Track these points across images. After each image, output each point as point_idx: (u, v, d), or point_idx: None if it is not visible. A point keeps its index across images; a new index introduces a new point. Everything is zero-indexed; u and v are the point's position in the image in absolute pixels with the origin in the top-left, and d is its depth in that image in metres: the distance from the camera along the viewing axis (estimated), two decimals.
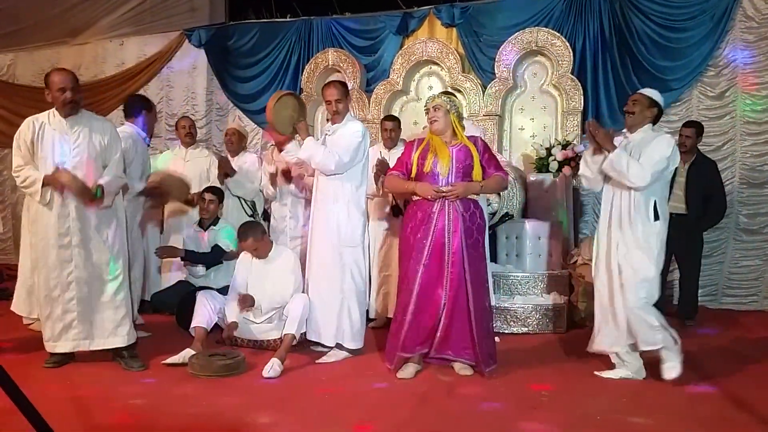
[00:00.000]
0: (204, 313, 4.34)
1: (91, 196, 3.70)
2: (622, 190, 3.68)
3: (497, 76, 6.57)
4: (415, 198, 3.88)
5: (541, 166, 6.06)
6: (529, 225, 5.46)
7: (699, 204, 5.23)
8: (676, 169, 5.10)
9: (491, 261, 5.22)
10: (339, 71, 7.17)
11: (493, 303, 4.56)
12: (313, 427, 3.01)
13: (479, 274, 3.82)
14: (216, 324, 4.49)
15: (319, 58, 7.27)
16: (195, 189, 5.41)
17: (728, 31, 6.08)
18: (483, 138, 4.97)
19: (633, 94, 3.89)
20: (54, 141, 3.74)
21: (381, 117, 6.08)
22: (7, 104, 8.75)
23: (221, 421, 3.06)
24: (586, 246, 5.20)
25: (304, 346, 4.35)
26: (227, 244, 5.13)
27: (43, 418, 1.95)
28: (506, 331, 4.99)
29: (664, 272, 5.27)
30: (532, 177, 6.08)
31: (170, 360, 3.98)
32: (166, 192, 4.72)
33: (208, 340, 4.35)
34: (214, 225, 5.25)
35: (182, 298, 4.89)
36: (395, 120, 5.43)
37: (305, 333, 4.22)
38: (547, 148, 6.06)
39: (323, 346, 4.27)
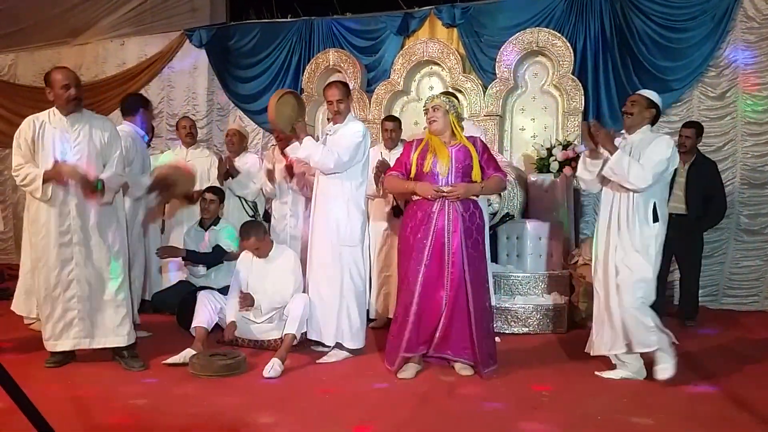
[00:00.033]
0: (205, 313, 4.34)
1: (92, 187, 3.69)
2: (621, 193, 3.68)
3: (498, 76, 6.58)
4: (414, 198, 3.88)
5: (542, 166, 6.07)
6: (530, 225, 5.46)
7: (699, 204, 5.23)
8: (676, 169, 5.10)
9: (492, 261, 5.22)
10: (340, 71, 7.18)
11: (493, 303, 4.56)
12: (314, 427, 3.01)
13: (479, 274, 3.82)
14: (217, 324, 4.49)
15: (320, 59, 7.27)
16: (196, 189, 5.41)
17: (729, 31, 6.08)
18: (483, 138, 4.99)
19: (631, 95, 3.89)
20: (55, 139, 3.74)
21: (382, 117, 6.08)
22: (8, 104, 8.76)
23: (222, 421, 3.06)
24: (587, 246, 5.19)
25: (304, 346, 4.35)
26: (228, 244, 5.14)
27: (44, 418, 1.95)
28: (507, 332, 4.99)
29: (665, 273, 5.30)
30: (533, 177, 6.09)
31: (171, 360, 3.98)
32: (172, 183, 4.70)
33: (208, 340, 4.35)
34: (215, 225, 5.26)
35: (183, 298, 4.90)
36: (396, 120, 5.43)
37: (305, 333, 4.23)
38: (547, 149, 6.06)
39: (324, 345, 4.27)
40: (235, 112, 7.94)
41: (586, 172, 3.87)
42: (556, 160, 5.93)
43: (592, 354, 3.85)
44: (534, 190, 6.03)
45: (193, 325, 4.32)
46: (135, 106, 4.67)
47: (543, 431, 2.98)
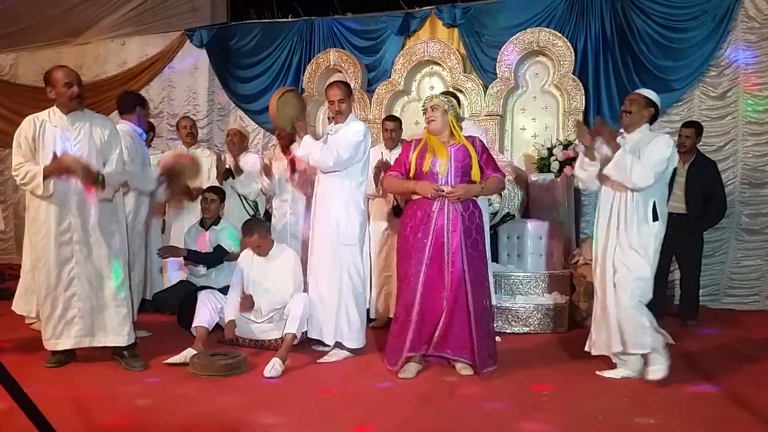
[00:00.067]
0: (205, 313, 4.35)
1: (94, 177, 3.68)
2: (621, 192, 3.68)
3: (499, 76, 6.57)
4: (414, 197, 3.88)
5: (543, 166, 6.06)
6: (531, 225, 5.46)
7: (699, 204, 5.23)
8: (676, 168, 5.12)
9: (493, 261, 5.23)
10: (340, 71, 7.18)
11: (494, 303, 4.56)
12: (315, 427, 3.01)
13: (479, 274, 3.82)
14: (217, 324, 4.50)
15: (321, 59, 7.27)
16: (196, 186, 5.42)
17: (730, 31, 6.07)
18: (485, 137, 4.99)
19: (630, 94, 3.89)
20: (55, 137, 3.74)
21: (382, 117, 6.08)
22: (9, 104, 8.76)
23: (222, 420, 3.07)
24: (588, 246, 5.19)
25: (305, 346, 4.35)
26: (229, 244, 5.15)
27: (45, 418, 1.95)
28: (507, 331, 4.99)
29: (665, 272, 5.31)
30: (534, 177, 6.08)
31: (172, 360, 3.99)
32: (179, 172, 4.69)
33: (209, 339, 4.35)
34: (216, 225, 5.26)
35: (184, 297, 4.90)
36: (396, 120, 5.43)
37: (306, 332, 4.23)
38: (548, 148, 6.06)
39: (324, 345, 4.28)
40: (236, 111, 7.93)
41: (582, 170, 3.88)
42: (556, 159, 5.93)
43: (592, 353, 3.85)
44: (534, 189, 6.03)
45: (193, 325, 4.33)
46: (132, 104, 4.67)
47: (543, 431, 2.98)
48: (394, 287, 4.74)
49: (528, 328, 5.02)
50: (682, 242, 5.14)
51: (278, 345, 4.13)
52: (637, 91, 3.89)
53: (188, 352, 4.01)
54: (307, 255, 4.44)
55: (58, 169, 3.65)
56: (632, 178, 3.54)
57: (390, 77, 6.99)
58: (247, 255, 4.59)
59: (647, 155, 3.57)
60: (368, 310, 4.81)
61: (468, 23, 6.95)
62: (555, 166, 5.92)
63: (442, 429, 3.03)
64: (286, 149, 5.33)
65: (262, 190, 5.65)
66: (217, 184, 5.56)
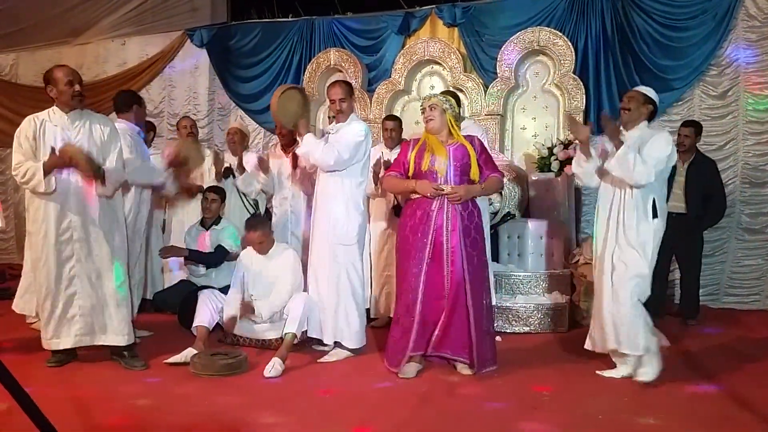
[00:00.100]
0: (206, 313, 4.35)
1: (96, 168, 3.66)
2: (621, 189, 3.68)
3: (499, 75, 6.57)
4: (414, 196, 3.88)
5: (543, 165, 6.06)
6: (531, 224, 5.46)
7: (699, 203, 5.22)
8: (676, 168, 5.14)
9: (493, 260, 5.23)
10: (341, 71, 7.18)
11: (494, 303, 4.56)
12: (315, 427, 3.02)
13: (478, 273, 3.81)
14: (218, 323, 4.50)
15: (321, 58, 7.27)
16: (197, 183, 5.43)
17: (730, 30, 6.07)
18: (485, 137, 4.99)
19: (628, 91, 3.89)
20: (56, 136, 3.74)
21: (382, 117, 6.08)
22: (9, 104, 8.76)
23: (223, 420, 3.07)
24: (588, 245, 5.19)
25: (305, 345, 4.36)
26: (230, 244, 5.15)
27: (46, 418, 1.95)
28: (508, 331, 4.99)
29: (665, 272, 5.30)
30: (534, 176, 6.08)
31: (172, 359, 3.99)
32: (185, 159, 4.69)
33: (209, 339, 4.36)
34: (216, 224, 5.27)
35: (184, 297, 4.90)
36: (396, 120, 5.43)
37: (306, 332, 4.23)
38: (549, 148, 6.06)
39: (324, 344, 4.29)
40: (236, 111, 7.93)
41: (578, 166, 3.88)
42: (557, 159, 5.93)
43: (589, 350, 3.84)
44: (535, 189, 6.03)
45: (194, 325, 4.33)
46: (128, 103, 4.66)
47: (543, 431, 2.98)
48: (394, 287, 4.74)
49: (528, 328, 5.02)
50: (682, 242, 5.14)
51: (278, 345, 4.13)
52: (636, 88, 3.90)
53: (189, 352, 4.01)
54: (307, 254, 4.45)
55: (58, 162, 3.64)
56: (634, 175, 3.54)
57: (390, 77, 6.99)
58: (247, 253, 4.61)
59: (648, 153, 3.56)
60: (368, 310, 4.82)
61: (468, 23, 6.95)
62: (555, 165, 5.93)
63: (442, 429, 3.03)
64: (286, 148, 5.34)
65: (264, 192, 5.65)
66: (216, 183, 5.55)
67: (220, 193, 5.33)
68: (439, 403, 3.35)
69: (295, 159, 5.09)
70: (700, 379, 3.75)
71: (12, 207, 8.84)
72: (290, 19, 7.73)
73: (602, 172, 3.76)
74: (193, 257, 5.07)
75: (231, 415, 3.13)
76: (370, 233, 5.10)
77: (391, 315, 4.61)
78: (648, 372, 3.59)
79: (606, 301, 3.68)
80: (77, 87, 3.79)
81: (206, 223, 5.28)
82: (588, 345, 3.87)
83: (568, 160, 5.81)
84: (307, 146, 4.12)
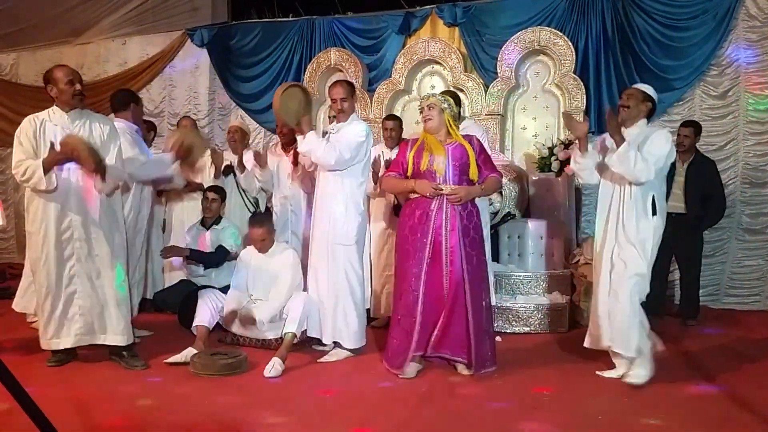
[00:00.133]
0: (206, 312, 4.36)
1: (98, 159, 3.64)
2: (621, 186, 3.68)
3: (499, 75, 6.57)
4: (412, 196, 3.87)
5: (544, 165, 6.06)
6: (531, 224, 5.46)
7: (698, 203, 5.22)
8: (675, 168, 5.14)
9: (493, 260, 5.23)
10: (341, 71, 7.18)
11: (494, 303, 4.56)
12: (315, 427, 3.02)
13: (477, 273, 3.81)
14: (218, 323, 4.51)
15: (322, 58, 7.27)
16: (197, 180, 5.44)
17: (731, 30, 6.06)
18: (486, 137, 4.99)
19: (627, 89, 3.89)
20: (56, 135, 3.73)
21: (383, 117, 6.07)
22: (10, 103, 8.76)
23: (223, 420, 3.07)
24: (588, 246, 5.19)
25: (305, 345, 4.36)
26: (231, 244, 5.15)
27: (46, 418, 1.95)
28: (508, 331, 4.99)
29: (665, 272, 5.30)
30: (534, 176, 6.08)
31: (172, 359, 3.99)
32: (190, 147, 4.67)
33: (210, 339, 4.36)
34: (217, 224, 5.27)
35: (184, 297, 4.90)
36: (396, 119, 5.43)
37: (305, 331, 4.23)
38: (549, 148, 6.06)
39: (323, 344, 4.29)
40: (237, 111, 7.93)
41: (575, 163, 3.88)
42: (557, 159, 5.92)
43: (593, 348, 3.84)
44: (535, 189, 6.03)
45: (194, 324, 4.33)
46: (126, 101, 4.65)
47: (543, 431, 2.98)
48: None
49: (528, 328, 5.02)
50: (682, 242, 5.13)
51: (278, 344, 4.13)
52: (635, 85, 3.90)
53: (189, 352, 4.01)
54: (307, 253, 4.45)
55: (58, 157, 3.62)
56: (635, 172, 3.53)
57: (391, 76, 6.99)
58: (246, 255, 4.64)
59: (648, 150, 3.57)
60: (369, 310, 4.82)
61: (469, 22, 6.95)
62: (556, 165, 5.92)
63: (442, 429, 3.03)
64: (287, 147, 5.34)
65: (264, 191, 5.65)
66: (216, 183, 5.55)
67: (220, 192, 5.33)
68: (439, 403, 3.35)
69: (295, 156, 5.09)
70: (700, 379, 3.75)
71: (12, 206, 8.85)
72: (291, 18, 7.72)
73: (602, 169, 3.75)
74: (194, 257, 5.07)
75: (231, 415, 3.13)
76: (370, 233, 5.10)
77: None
78: (639, 374, 3.58)
79: (602, 298, 3.69)
80: (78, 86, 3.80)
81: (207, 223, 5.29)
82: (587, 342, 3.87)
83: (568, 160, 5.78)
84: (309, 144, 4.11)
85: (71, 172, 3.76)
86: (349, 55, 7.18)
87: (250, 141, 6.49)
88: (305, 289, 4.39)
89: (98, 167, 3.65)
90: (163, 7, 8.08)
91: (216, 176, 5.62)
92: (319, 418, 3.11)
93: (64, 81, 3.76)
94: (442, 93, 4.65)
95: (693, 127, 5.32)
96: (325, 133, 4.56)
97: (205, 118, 7.98)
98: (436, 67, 6.98)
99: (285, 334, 4.08)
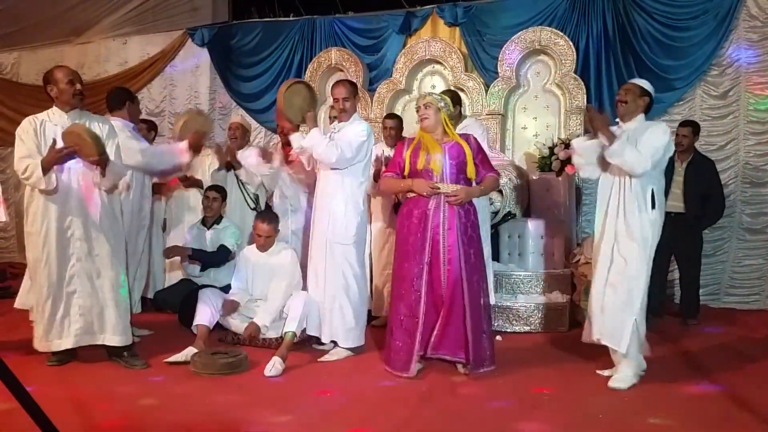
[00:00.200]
0: (206, 312, 4.36)
1: (102, 147, 3.63)
2: (620, 179, 3.67)
3: (500, 75, 6.57)
4: (410, 195, 3.87)
5: (544, 165, 6.05)
6: (532, 224, 5.46)
7: (697, 203, 5.21)
8: (674, 168, 5.14)
9: (493, 260, 5.23)
10: (342, 70, 7.18)
11: (492, 302, 4.56)
12: (315, 426, 3.02)
13: (475, 272, 3.80)
14: (218, 323, 4.51)
15: (322, 57, 7.27)
16: (197, 176, 5.45)
17: (732, 30, 6.06)
18: (486, 135, 4.98)
19: (624, 84, 3.89)
20: (56, 135, 3.73)
21: (383, 116, 6.08)
22: (10, 103, 8.77)
23: (223, 419, 3.07)
24: (588, 245, 5.18)
25: (305, 344, 4.36)
26: (233, 243, 5.15)
27: (47, 418, 1.95)
28: (508, 330, 4.99)
29: (665, 272, 5.30)
30: (535, 176, 6.08)
31: (172, 358, 4.00)
32: (198, 132, 4.68)
33: (210, 338, 4.36)
34: (218, 224, 5.27)
35: (185, 296, 4.91)
36: (396, 118, 5.44)
37: (305, 330, 4.23)
38: (549, 147, 6.05)
39: (322, 343, 4.30)
40: (237, 110, 7.92)
41: (579, 157, 3.87)
42: (558, 158, 5.91)
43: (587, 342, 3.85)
44: (536, 188, 6.03)
45: (194, 324, 4.34)
46: (122, 99, 4.65)
47: (543, 431, 2.98)
48: None
49: (529, 327, 5.02)
50: (681, 242, 5.13)
51: (279, 344, 4.14)
52: (631, 80, 3.90)
53: (189, 351, 4.02)
54: (307, 252, 4.46)
55: (58, 155, 3.60)
56: (633, 164, 3.52)
57: (391, 76, 6.99)
58: (245, 254, 4.68)
59: (644, 142, 3.56)
60: (369, 310, 4.82)
61: (470, 22, 6.95)
62: (556, 165, 5.91)
63: (442, 429, 3.03)
64: (288, 146, 5.34)
65: (265, 187, 5.65)
66: (217, 178, 5.56)
67: (221, 192, 5.33)
68: (439, 403, 3.35)
69: (287, 155, 5.10)
70: (701, 379, 3.75)
71: (13, 206, 8.84)
72: (291, 18, 7.72)
73: (604, 164, 3.75)
74: (196, 257, 5.07)
75: (231, 414, 3.13)
76: (371, 232, 5.10)
77: None
78: (624, 379, 3.57)
79: (597, 290, 3.68)
80: (78, 86, 3.81)
81: (207, 222, 5.29)
82: (583, 337, 3.86)
83: (569, 160, 5.80)
84: (312, 140, 4.12)
85: (72, 173, 3.77)
86: (349, 54, 7.18)
87: (251, 138, 6.49)
88: (305, 288, 4.40)
89: (101, 157, 3.65)
90: (164, 7, 8.08)
91: (218, 169, 5.61)
92: (319, 418, 3.11)
93: (65, 81, 3.77)
94: (442, 92, 4.66)
95: (691, 126, 5.32)
96: (326, 133, 4.56)
97: None
98: (437, 66, 6.98)
99: (285, 333, 4.09)
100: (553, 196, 5.95)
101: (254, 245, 4.69)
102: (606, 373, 3.77)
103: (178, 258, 5.27)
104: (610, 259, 3.66)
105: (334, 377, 3.80)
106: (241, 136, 5.84)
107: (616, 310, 3.59)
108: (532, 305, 5.04)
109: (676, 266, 5.53)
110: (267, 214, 4.67)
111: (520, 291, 5.21)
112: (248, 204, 5.72)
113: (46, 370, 3.82)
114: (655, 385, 3.58)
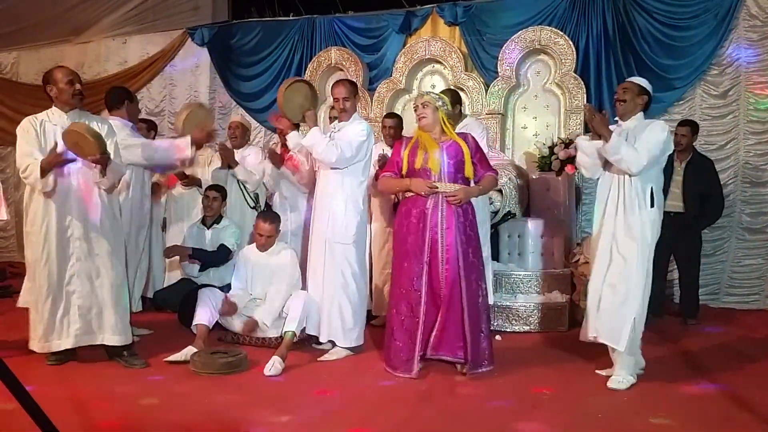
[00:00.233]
0: (206, 311, 4.36)
1: (104, 146, 3.62)
2: (620, 177, 3.67)
3: (500, 74, 6.57)
4: (408, 194, 3.87)
5: (544, 164, 6.06)
6: (532, 224, 5.46)
7: (696, 202, 5.21)
8: (673, 167, 5.14)
9: (493, 260, 5.23)
10: (342, 70, 7.18)
11: (492, 302, 4.56)
12: (315, 426, 3.02)
13: (473, 271, 3.79)
14: (217, 322, 4.51)
15: (322, 57, 7.27)
16: (197, 174, 5.45)
17: (732, 29, 6.06)
18: (486, 134, 4.98)
19: (623, 83, 3.89)
20: (56, 135, 3.73)
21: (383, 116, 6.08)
22: (10, 102, 8.77)
23: (222, 419, 3.07)
24: (588, 245, 5.18)
25: (305, 344, 4.36)
26: (233, 243, 5.15)
27: (47, 417, 1.95)
28: (508, 330, 4.99)
29: (664, 272, 5.30)
30: (535, 176, 6.08)
31: (172, 358, 4.00)
32: (202, 124, 4.67)
33: (209, 337, 4.36)
34: (218, 223, 5.27)
35: (184, 296, 4.91)
36: (396, 117, 5.44)
37: (305, 329, 4.24)
38: (549, 147, 6.06)
39: (320, 342, 4.30)
40: (237, 110, 7.93)
41: (584, 156, 3.85)
42: (557, 158, 5.91)
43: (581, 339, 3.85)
44: (535, 188, 6.03)
45: (194, 323, 4.34)
46: (120, 99, 4.65)
47: (543, 431, 2.98)
48: None
49: (528, 327, 5.02)
50: (681, 241, 5.13)
51: (278, 343, 4.14)
52: (630, 79, 3.89)
53: (189, 350, 4.02)
54: (306, 252, 4.46)
55: (57, 159, 3.61)
56: (628, 161, 3.52)
57: (391, 76, 6.99)
58: (245, 254, 4.69)
59: (642, 140, 3.57)
60: (369, 310, 4.82)
61: (470, 21, 6.95)
62: (556, 164, 5.91)
63: (442, 429, 3.03)
64: (286, 147, 5.34)
65: (265, 186, 5.65)
66: (217, 182, 5.55)
67: (221, 191, 5.33)
68: (439, 403, 3.35)
69: (283, 155, 5.10)
70: (700, 378, 3.75)
71: (13, 205, 8.84)
72: (291, 17, 7.73)
73: (605, 163, 3.74)
74: (197, 256, 5.07)
75: (231, 414, 3.13)
76: (371, 232, 5.10)
77: None
78: (622, 381, 3.56)
79: (594, 287, 3.68)
80: (77, 86, 3.81)
81: (207, 222, 5.29)
82: (581, 336, 3.85)
83: (568, 159, 5.81)
84: (312, 139, 4.11)
85: (72, 174, 3.77)
86: (349, 54, 7.18)
87: (251, 137, 6.49)
88: (304, 287, 4.40)
89: (103, 156, 3.64)
90: (164, 6, 8.08)
91: (221, 168, 5.60)
92: (319, 418, 3.11)
93: (64, 81, 3.77)
94: (442, 91, 4.65)
95: (690, 126, 5.32)
96: (326, 133, 4.56)
97: None
98: (437, 66, 6.98)
99: (285, 332, 4.09)
100: (552, 195, 5.95)
101: (254, 245, 4.70)
102: (605, 373, 3.77)
103: (177, 257, 5.27)
104: (608, 257, 3.66)
105: (334, 377, 3.80)
106: (241, 136, 5.84)
107: (615, 309, 3.59)
108: (532, 305, 5.04)
109: (676, 266, 5.53)
110: (269, 214, 4.68)
111: (520, 291, 5.21)
112: (248, 204, 5.72)
113: (46, 370, 3.82)
114: (655, 385, 3.58)
